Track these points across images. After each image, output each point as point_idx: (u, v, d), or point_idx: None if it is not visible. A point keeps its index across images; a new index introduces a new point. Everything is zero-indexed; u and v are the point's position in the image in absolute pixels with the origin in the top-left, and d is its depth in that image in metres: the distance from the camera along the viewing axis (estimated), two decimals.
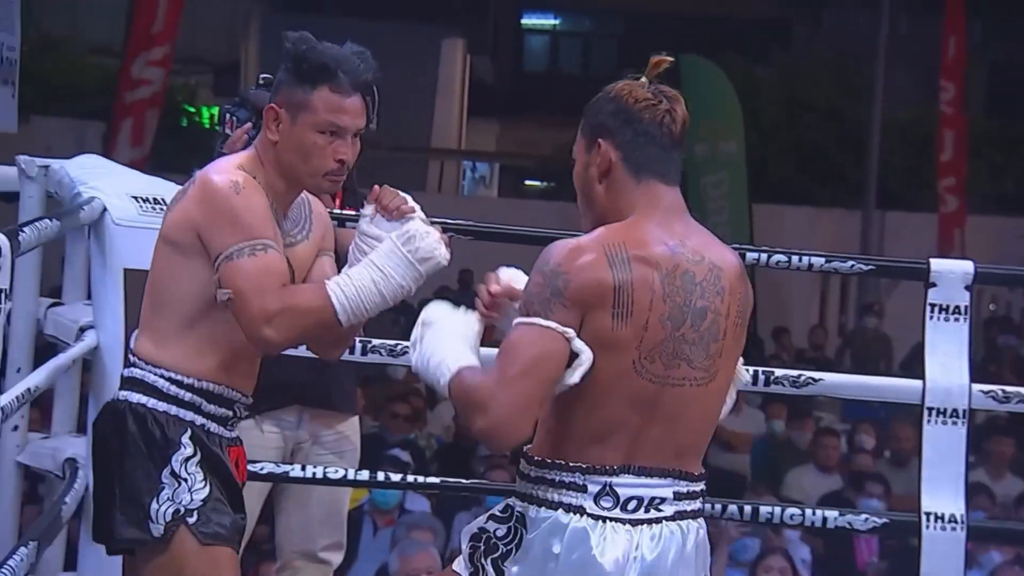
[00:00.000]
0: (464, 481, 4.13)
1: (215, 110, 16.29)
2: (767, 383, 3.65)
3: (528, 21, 23.07)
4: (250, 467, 3.54)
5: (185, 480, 2.78)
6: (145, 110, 10.89)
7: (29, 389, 3.26)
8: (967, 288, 3.61)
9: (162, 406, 2.81)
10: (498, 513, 2.56)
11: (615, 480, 2.49)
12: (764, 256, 3.64)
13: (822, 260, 3.65)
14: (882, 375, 4.43)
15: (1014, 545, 6.42)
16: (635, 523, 2.50)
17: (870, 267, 3.75)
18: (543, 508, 2.51)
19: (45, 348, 3.77)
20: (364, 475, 3.67)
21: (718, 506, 3.63)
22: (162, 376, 2.82)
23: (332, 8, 18.79)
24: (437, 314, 2.60)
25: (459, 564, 2.60)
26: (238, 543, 2.88)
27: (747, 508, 3.67)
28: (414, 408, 8.41)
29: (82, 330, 3.60)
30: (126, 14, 11.73)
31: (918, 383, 3.61)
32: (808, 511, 3.69)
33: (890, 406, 7.11)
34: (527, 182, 21.68)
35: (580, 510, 2.49)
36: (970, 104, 14.42)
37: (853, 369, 10.80)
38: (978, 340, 12.33)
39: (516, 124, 19.85)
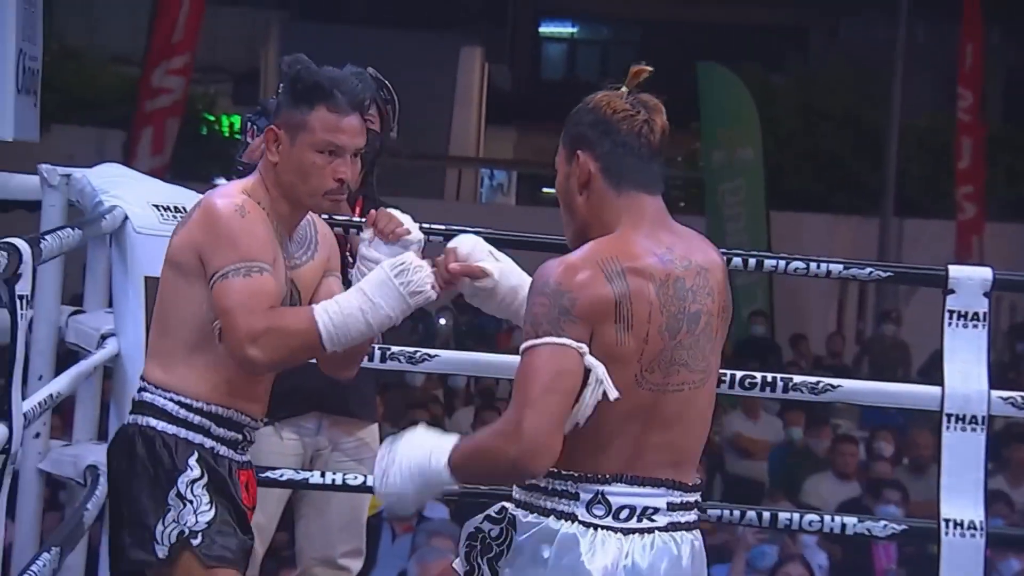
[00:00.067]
0: (482, 487, 4.14)
1: (235, 118, 16.35)
2: (785, 390, 3.65)
3: (546, 29, 23.09)
4: (269, 474, 3.56)
5: (191, 502, 2.81)
6: (165, 119, 10.94)
7: (51, 396, 3.28)
8: (985, 295, 3.61)
9: (171, 429, 2.84)
10: (493, 514, 2.58)
11: (607, 488, 2.49)
12: (782, 263, 3.65)
13: (840, 267, 3.65)
14: (900, 382, 4.43)
15: None
16: (627, 532, 2.49)
17: (889, 274, 3.76)
18: (534, 513, 2.51)
19: (67, 355, 3.79)
20: None
21: (736, 512, 3.64)
22: (171, 400, 2.85)
23: (351, 17, 18.82)
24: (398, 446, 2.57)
25: (457, 562, 2.64)
26: (244, 565, 2.90)
27: (765, 514, 3.67)
28: (433, 415, 8.42)
29: (103, 338, 3.62)
30: (147, 24, 11.78)
31: (937, 390, 3.61)
32: (827, 517, 3.69)
33: (908, 413, 7.11)
34: (544, 189, 21.66)
35: (571, 517, 2.49)
36: (987, 110, 14.38)
37: (871, 376, 10.79)
38: (998, 347, 12.32)
39: (534, 132, 19.85)
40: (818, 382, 3.65)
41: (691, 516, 2.56)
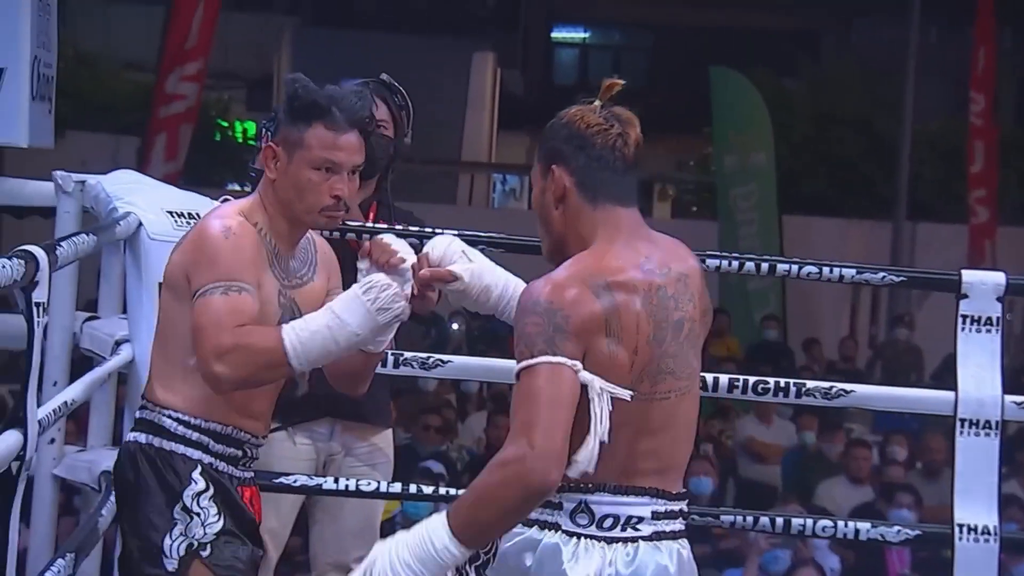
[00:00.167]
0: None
1: (248, 124, 16.39)
2: (799, 395, 3.65)
3: (558, 34, 23.09)
4: (283, 479, 3.57)
5: (198, 514, 2.83)
6: (179, 125, 10.95)
7: (66, 402, 3.29)
8: (999, 299, 3.61)
9: (169, 445, 2.87)
10: None
11: (590, 498, 2.49)
12: (795, 268, 3.65)
13: (853, 271, 3.65)
14: (913, 386, 4.42)
15: None
16: (610, 540, 2.49)
17: (902, 278, 3.75)
18: (520, 524, 2.50)
19: (81, 362, 3.80)
20: (396, 487, 3.68)
21: (749, 518, 3.64)
22: (169, 417, 2.88)
23: (363, 22, 18.84)
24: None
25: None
26: (254, 575, 2.91)
27: (779, 520, 3.67)
28: (445, 420, 8.43)
29: (118, 344, 3.63)
30: (160, 30, 11.80)
31: (950, 395, 3.60)
32: (840, 523, 3.69)
33: (921, 417, 7.09)
34: None
35: (555, 527, 2.49)
36: (1000, 114, 14.34)
37: (884, 381, 10.76)
38: (1011, 351, 12.29)
39: None
40: (831, 387, 3.65)
41: (677, 525, 2.55)
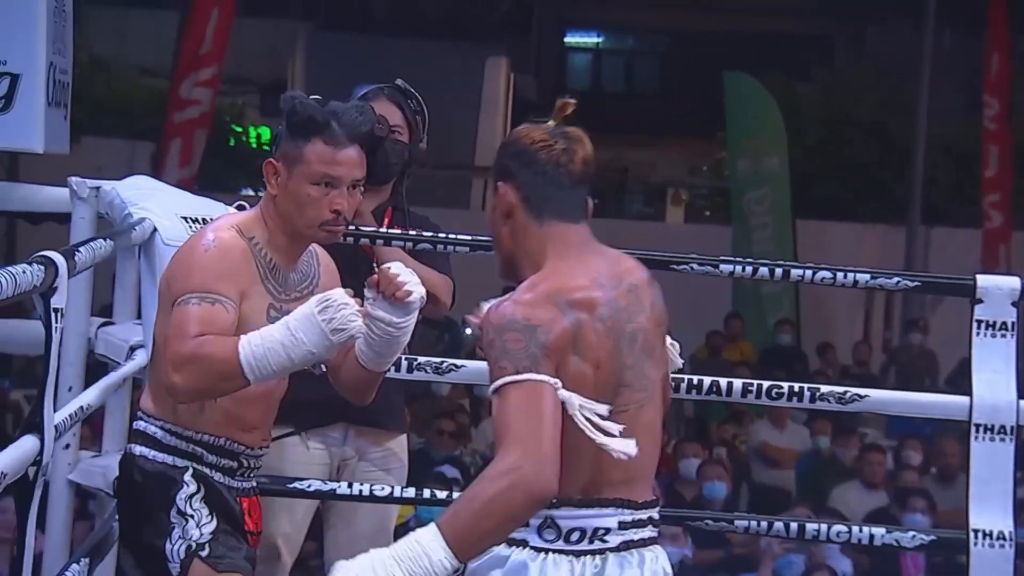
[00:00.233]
0: None
1: (262, 130, 16.41)
2: (813, 400, 3.65)
3: (571, 39, 23.09)
4: (297, 484, 3.58)
5: (192, 516, 2.86)
6: (193, 130, 10.99)
7: (81, 408, 3.30)
8: (1014, 304, 3.61)
9: (160, 456, 2.89)
10: None
11: (556, 513, 2.49)
12: (809, 273, 3.65)
13: (868, 276, 3.65)
14: (927, 391, 4.42)
15: None
16: (578, 554, 2.49)
17: (916, 283, 3.75)
18: None
19: (95, 367, 3.81)
20: (410, 492, 3.69)
21: (764, 523, 3.63)
22: (161, 427, 2.90)
23: (376, 27, 18.86)
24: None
25: None
26: (251, 573, 2.93)
27: (793, 525, 3.67)
28: (459, 425, 8.44)
29: (132, 349, 3.64)
30: (175, 36, 11.84)
31: (965, 399, 3.60)
32: (855, 528, 3.69)
33: (936, 422, 7.09)
34: None
35: (523, 543, 2.50)
36: (1014, 118, 14.31)
37: (898, 385, 10.75)
38: None
39: None
40: (845, 392, 3.65)
41: (646, 532, 2.55)
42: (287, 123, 2.87)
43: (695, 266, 3.64)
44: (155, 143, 11.71)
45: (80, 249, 3.01)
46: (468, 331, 2.82)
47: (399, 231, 3.66)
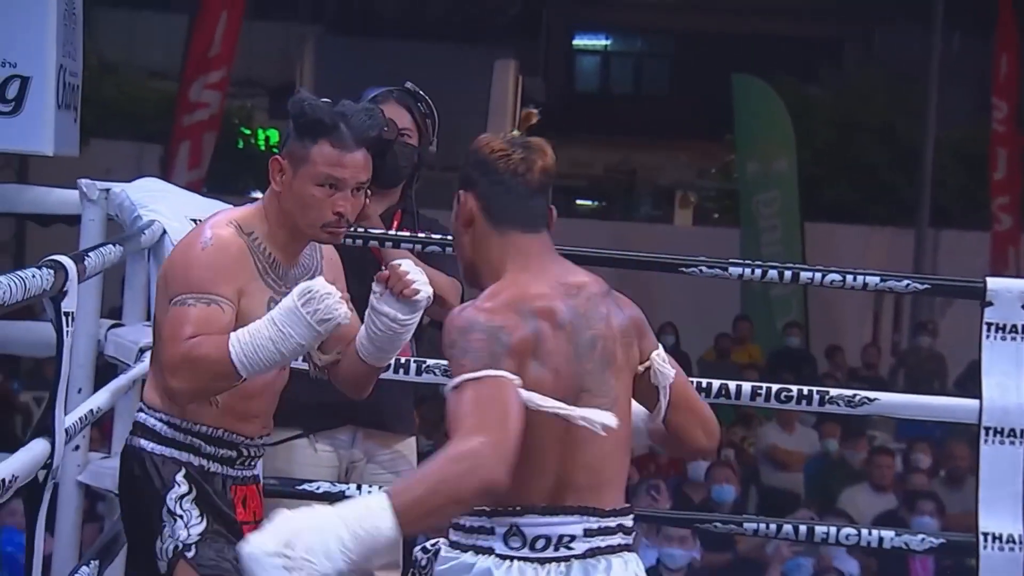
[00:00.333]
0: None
1: (271, 132, 16.44)
2: (821, 403, 3.65)
3: (580, 42, 23.09)
4: (306, 486, 3.58)
5: (181, 517, 2.87)
6: (202, 133, 11.01)
7: (91, 410, 3.31)
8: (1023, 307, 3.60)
9: (159, 449, 2.90)
10: (427, 545, 2.61)
11: (520, 520, 2.49)
12: (818, 275, 3.64)
13: (877, 279, 3.65)
14: (936, 394, 4.42)
15: None
16: (543, 561, 2.49)
17: (926, 286, 3.75)
18: (454, 549, 2.53)
19: (105, 368, 3.82)
20: None
21: (773, 526, 3.63)
22: (160, 419, 2.90)
23: (385, 30, 18.87)
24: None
25: None
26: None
27: (802, 528, 3.67)
28: None
29: (142, 351, 3.64)
30: (184, 39, 11.86)
31: (975, 403, 3.60)
32: (864, 531, 3.69)
33: (945, 424, 7.08)
34: (578, 201, 21.68)
35: (489, 551, 2.50)
36: (1022, 121, 14.30)
37: (907, 388, 10.74)
38: None
39: (567, 144, 19.84)
40: (854, 395, 3.65)
41: (615, 539, 2.55)
42: (295, 123, 2.88)
43: (704, 269, 3.64)
44: (164, 145, 11.73)
45: (90, 254, 3.02)
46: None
47: (408, 233, 3.66)
